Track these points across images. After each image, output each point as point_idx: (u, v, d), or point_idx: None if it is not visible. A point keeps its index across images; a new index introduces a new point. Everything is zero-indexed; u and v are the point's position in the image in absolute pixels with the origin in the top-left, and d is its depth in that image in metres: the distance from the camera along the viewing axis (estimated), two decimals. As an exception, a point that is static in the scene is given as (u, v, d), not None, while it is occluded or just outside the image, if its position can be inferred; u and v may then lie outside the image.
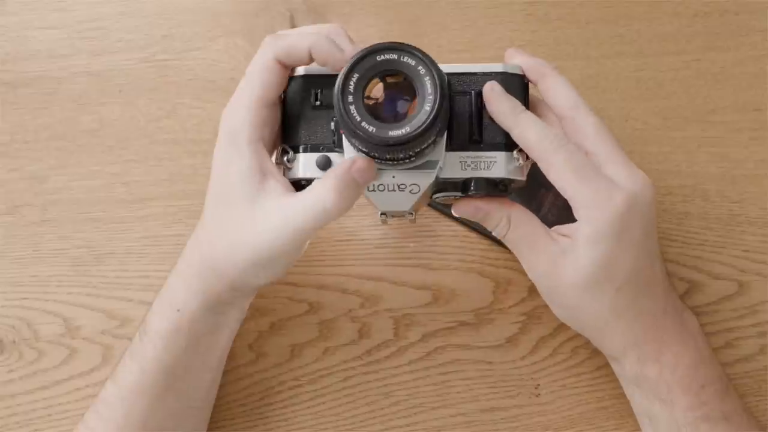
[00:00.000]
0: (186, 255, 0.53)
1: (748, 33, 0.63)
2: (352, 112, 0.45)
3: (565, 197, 0.49)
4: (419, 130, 0.45)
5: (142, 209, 0.62)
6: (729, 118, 0.62)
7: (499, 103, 0.49)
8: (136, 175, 0.62)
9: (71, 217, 0.62)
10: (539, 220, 0.51)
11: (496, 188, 0.49)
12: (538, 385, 0.60)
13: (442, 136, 0.48)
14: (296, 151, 0.50)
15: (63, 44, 0.63)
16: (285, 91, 0.51)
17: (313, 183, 0.48)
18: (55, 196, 0.62)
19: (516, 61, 0.51)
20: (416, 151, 0.46)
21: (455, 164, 0.49)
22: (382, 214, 0.52)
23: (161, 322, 0.52)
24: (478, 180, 0.49)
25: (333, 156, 0.49)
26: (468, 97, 0.49)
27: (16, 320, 0.61)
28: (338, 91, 0.46)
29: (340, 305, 0.61)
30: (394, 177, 0.49)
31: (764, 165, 0.62)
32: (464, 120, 0.49)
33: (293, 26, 0.63)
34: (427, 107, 0.45)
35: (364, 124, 0.45)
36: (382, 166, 0.48)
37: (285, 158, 0.50)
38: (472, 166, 0.49)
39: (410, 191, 0.49)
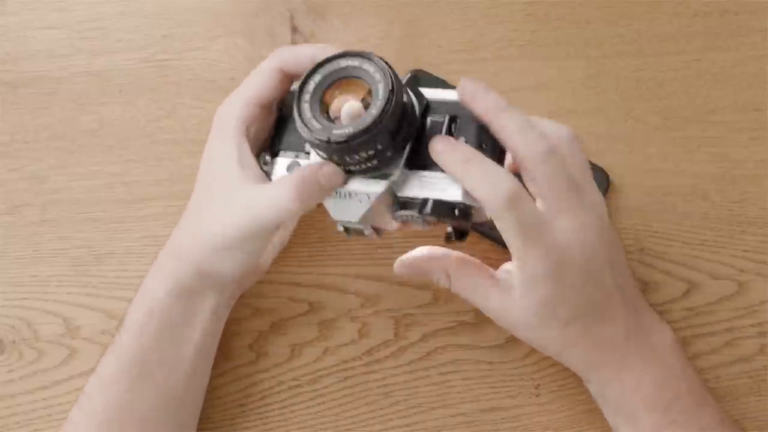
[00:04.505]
0: (165, 245, 0.55)
1: (748, 33, 0.63)
2: (303, 108, 0.47)
3: (504, 239, 0.48)
4: (360, 129, 0.46)
5: (142, 209, 0.62)
6: (729, 118, 0.62)
7: (448, 153, 0.47)
8: (136, 175, 0.62)
9: (71, 217, 0.62)
10: (481, 265, 0.51)
11: (452, 214, 0.48)
12: (538, 385, 0.60)
13: (398, 151, 0.48)
14: (275, 156, 0.52)
15: (63, 44, 0.63)
16: (282, 107, 0.53)
17: (280, 178, 0.50)
18: (55, 196, 0.62)
19: (469, 102, 0.48)
20: (364, 156, 0.47)
21: (415, 183, 0.49)
22: (343, 228, 0.52)
23: (135, 312, 0.54)
24: (434, 202, 0.48)
25: (302, 161, 0.50)
26: (441, 121, 0.49)
27: (16, 320, 0.61)
28: (297, 88, 0.48)
29: (340, 305, 0.61)
30: (347, 184, 0.49)
31: (764, 165, 0.62)
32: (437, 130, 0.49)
33: (293, 26, 0.63)
34: (373, 111, 0.46)
35: (313, 121, 0.47)
36: None
37: (262, 163, 0.51)
38: (430, 186, 0.49)
39: (359, 200, 0.49)
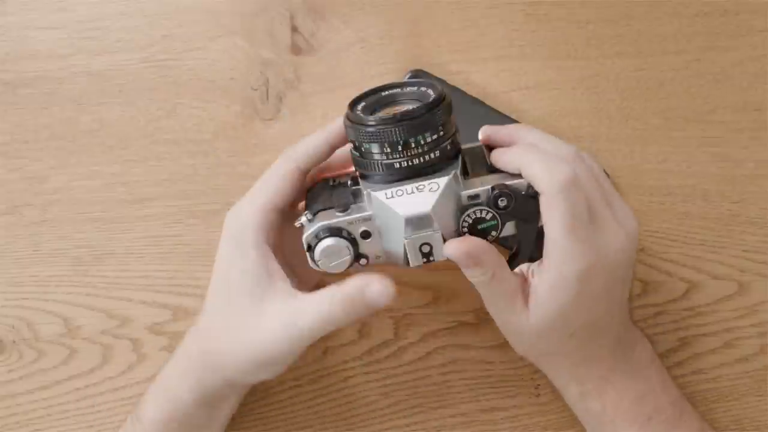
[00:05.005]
0: (185, 345, 0.54)
1: (748, 33, 0.63)
2: (361, 116, 0.48)
3: (546, 236, 0.48)
4: (425, 103, 0.47)
5: (142, 209, 0.62)
6: (729, 118, 0.62)
7: (509, 151, 0.50)
8: (136, 175, 0.62)
9: (71, 217, 0.62)
10: (512, 273, 0.50)
11: (520, 197, 0.49)
12: (538, 385, 0.60)
13: (454, 150, 0.49)
14: (315, 214, 0.50)
15: (63, 44, 0.63)
16: (309, 191, 0.53)
17: (321, 291, 0.49)
18: (55, 196, 0.62)
19: (491, 137, 0.52)
20: (429, 139, 0.47)
21: (476, 182, 0.49)
22: (415, 247, 0.49)
23: (155, 411, 0.53)
24: (502, 185, 0.48)
25: (353, 206, 0.49)
26: (479, 146, 0.52)
27: (16, 320, 0.61)
28: (348, 110, 0.49)
29: (340, 305, 0.61)
30: (411, 183, 0.48)
31: (764, 165, 0.62)
32: (479, 159, 0.51)
33: (293, 26, 0.63)
34: (432, 93, 0.49)
35: (371, 117, 0.48)
36: (400, 184, 0.48)
37: (304, 218, 0.49)
38: (491, 181, 0.49)
39: (429, 189, 0.48)
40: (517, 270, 0.52)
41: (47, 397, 0.60)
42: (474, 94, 0.61)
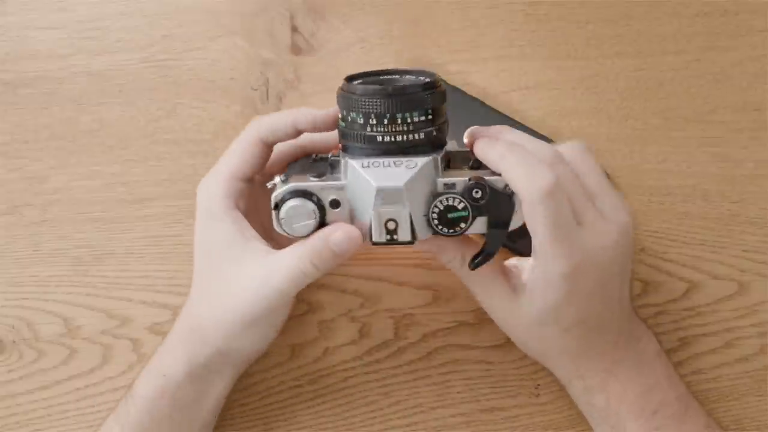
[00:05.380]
0: (176, 324, 0.54)
1: (748, 33, 0.63)
2: (355, 83, 0.49)
3: (532, 237, 0.48)
4: (419, 83, 0.48)
5: (142, 209, 0.62)
6: (729, 118, 0.62)
7: (490, 146, 0.49)
8: (136, 175, 0.62)
9: (71, 217, 0.62)
10: (497, 260, 0.51)
11: (499, 193, 0.49)
12: (538, 385, 0.60)
13: (440, 139, 0.50)
14: (289, 177, 0.50)
15: (63, 44, 0.63)
16: (290, 163, 0.53)
17: (290, 247, 0.49)
18: (55, 196, 0.62)
19: (474, 135, 0.51)
20: (416, 119, 0.48)
21: (455, 173, 0.50)
22: (381, 235, 0.49)
23: (146, 387, 0.53)
24: (477, 178, 0.49)
25: (328, 174, 0.50)
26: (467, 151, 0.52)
27: (16, 320, 0.61)
28: (343, 81, 0.50)
29: (340, 305, 0.61)
30: (390, 158, 0.49)
31: (764, 165, 0.62)
32: (465, 160, 0.51)
33: (293, 26, 0.63)
34: (427, 78, 0.49)
35: (364, 87, 0.49)
36: (379, 157, 0.49)
37: (278, 179, 0.50)
38: (470, 174, 0.50)
39: (407, 166, 0.48)
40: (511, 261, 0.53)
41: (47, 397, 0.60)
42: (474, 94, 0.61)
